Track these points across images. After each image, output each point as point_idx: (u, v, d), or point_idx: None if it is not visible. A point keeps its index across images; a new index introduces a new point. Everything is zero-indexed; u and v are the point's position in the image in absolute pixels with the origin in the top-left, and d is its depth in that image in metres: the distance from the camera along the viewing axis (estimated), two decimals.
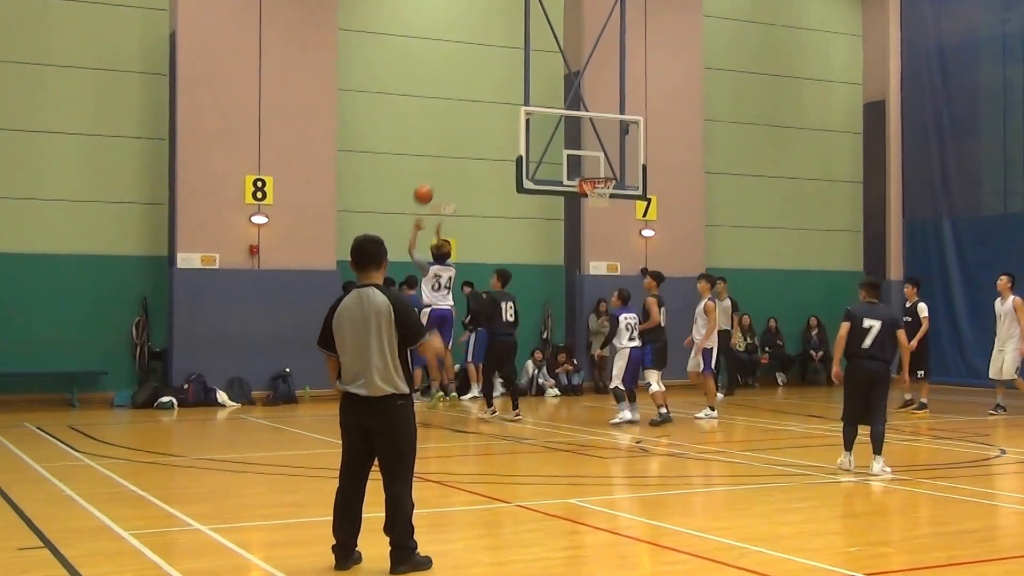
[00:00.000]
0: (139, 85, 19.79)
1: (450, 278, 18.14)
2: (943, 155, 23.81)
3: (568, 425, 16.22)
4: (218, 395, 18.70)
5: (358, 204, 20.78)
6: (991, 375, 17.25)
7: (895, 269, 24.35)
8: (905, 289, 18.04)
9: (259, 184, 19.50)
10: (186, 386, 18.60)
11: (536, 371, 21.02)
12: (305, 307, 18.32)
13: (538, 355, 21.16)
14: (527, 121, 16.92)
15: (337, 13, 20.38)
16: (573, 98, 18.85)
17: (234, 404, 18.71)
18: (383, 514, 6.98)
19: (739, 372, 22.23)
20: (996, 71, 22.85)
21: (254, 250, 19.45)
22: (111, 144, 19.49)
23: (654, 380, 15.76)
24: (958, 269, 23.27)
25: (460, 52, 21.82)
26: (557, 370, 21.14)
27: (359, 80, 21.02)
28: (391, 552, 6.94)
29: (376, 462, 7.00)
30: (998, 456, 12.70)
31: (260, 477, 11.10)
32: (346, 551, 7.00)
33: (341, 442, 7.04)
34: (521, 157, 16.87)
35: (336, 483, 7.10)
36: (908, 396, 17.87)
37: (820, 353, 23.41)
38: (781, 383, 23.56)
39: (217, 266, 19.17)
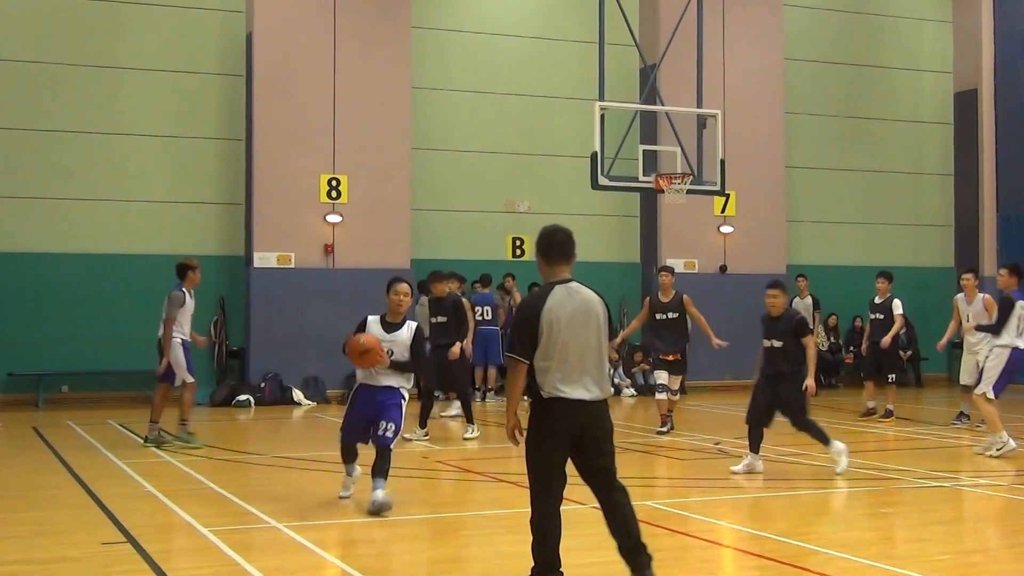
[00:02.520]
0: (217, 87, 19.94)
1: None
2: None
3: (643, 426, 15.94)
4: (294, 393, 18.76)
5: (432, 203, 20.73)
6: (963, 381, 15.61)
7: (989, 265, 23.59)
8: (877, 283, 16.77)
9: (334, 183, 19.53)
10: (263, 384, 18.70)
11: (612, 371, 20.79)
12: (380, 306, 18.03)
13: (614, 355, 20.91)
14: (602, 116, 16.67)
15: (411, 11, 20.33)
16: (649, 92, 18.56)
17: (310, 403, 18.77)
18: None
19: (822, 372, 21.72)
20: None
21: (329, 249, 19.47)
22: (190, 145, 19.68)
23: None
24: None
25: (534, 47, 21.65)
26: (633, 369, 20.87)
27: (433, 78, 20.96)
28: (637, 558, 6.45)
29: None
30: None
31: (336, 476, 11.02)
32: None
33: (535, 459, 6.21)
34: (596, 153, 16.63)
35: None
36: (871, 404, 16.69)
37: (908, 352, 22.64)
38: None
39: (293, 265, 19.24)
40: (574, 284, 6.31)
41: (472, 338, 19.33)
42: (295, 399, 18.72)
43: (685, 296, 14.15)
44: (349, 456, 9.43)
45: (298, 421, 17.02)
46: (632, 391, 20.51)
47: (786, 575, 7.03)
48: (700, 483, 11.05)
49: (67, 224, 18.98)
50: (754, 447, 10.88)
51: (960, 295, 15.55)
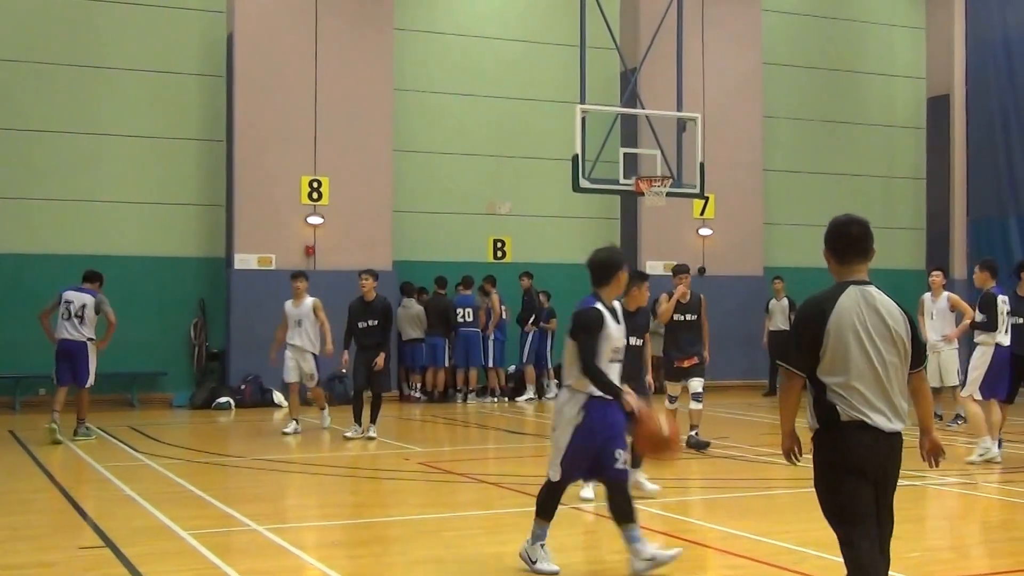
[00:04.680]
0: (197, 87, 19.94)
1: None
2: (1009, 151, 23.29)
3: None
4: (275, 396, 18.77)
5: (414, 204, 20.79)
6: (932, 384, 15.00)
7: (959, 267, 23.86)
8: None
9: (315, 185, 19.56)
10: (243, 387, 18.70)
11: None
12: None
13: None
14: (583, 119, 16.81)
15: (393, 13, 20.39)
16: (629, 96, 18.71)
17: None
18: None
19: None
20: None
21: (310, 251, 19.50)
22: (170, 146, 19.67)
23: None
24: None
25: (516, 51, 21.74)
26: None
27: (415, 80, 21.02)
28: None
29: None
30: None
31: (316, 478, 11.09)
32: None
33: (840, 499, 5.10)
34: (577, 156, 16.76)
35: None
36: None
37: None
38: None
39: (274, 267, 19.25)
40: (871, 289, 5.20)
41: (453, 340, 19.57)
42: (276, 401, 18.73)
43: (702, 296, 13.86)
44: None
45: (279, 423, 17.02)
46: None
47: (761, 574, 7.12)
48: (678, 483, 11.17)
49: (45, 225, 18.93)
50: None
51: (927, 294, 15.77)
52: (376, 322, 14.01)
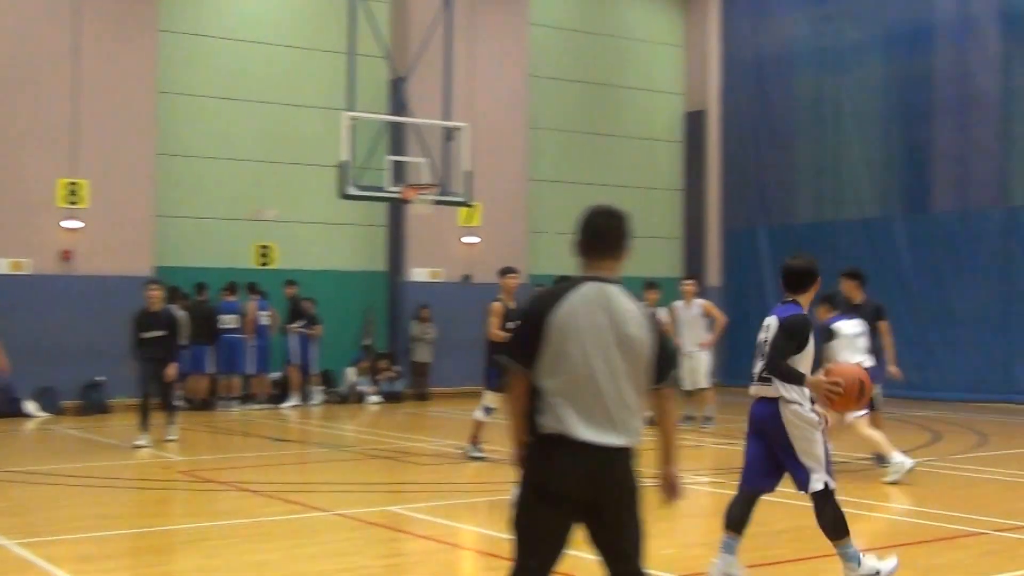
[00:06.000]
0: None
1: None
2: (760, 164, 24.68)
3: (389, 432, 16.14)
4: (26, 405, 17.94)
5: (178, 209, 20.26)
6: (683, 386, 16.20)
7: (713, 276, 25.07)
8: (646, 295, 17.44)
9: (73, 188, 18.81)
10: None
11: (358, 378, 20.86)
12: (121, 314, 17.59)
13: (364, 364, 21.01)
14: (351, 126, 16.83)
15: (157, 13, 19.85)
16: (398, 104, 18.87)
17: (43, 414, 17.99)
18: None
19: None
20: (811, 82, 23.79)
21: (67, 255, 18.75)
22: None
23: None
24: (772, 276, 24.14)
25: (284, 56, 21.48)
26: (378, 377, 21.03)
27: (180, 82, 20.47)
28: None
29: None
30: None
31: (70, 489, 10.70)
32: None
33: (526, 520, 4.52)
34: (344, 163, 16.77)
35: None
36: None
37: None
38: None
39: (28, 272, 18.43)
40: (610, 288, 4.59)
41: (217, 346, 19.18)
42: (26, 411, 17.90)
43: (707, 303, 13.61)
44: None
45: (30, 433, 16.31)
46: (378, 398, 20.64)
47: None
48: (443, 487, 11.32)
49: None
50: None
51: (679, 302, 16.55)
52: (163, 333, 13.83)
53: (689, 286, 16.65)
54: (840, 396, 6.66)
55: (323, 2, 21.63)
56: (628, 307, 4.54)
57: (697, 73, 25.84)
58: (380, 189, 17.68)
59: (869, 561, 6.81)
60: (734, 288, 24.82)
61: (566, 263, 23.57)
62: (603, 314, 4.49)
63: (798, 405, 6.74)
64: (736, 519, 6.99)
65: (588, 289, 4.55)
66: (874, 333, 11.85)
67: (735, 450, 13.89)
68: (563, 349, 4.44)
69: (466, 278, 21.86)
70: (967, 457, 13.19)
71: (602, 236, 4.71)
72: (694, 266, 24.98)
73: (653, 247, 25.49)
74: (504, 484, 11.01)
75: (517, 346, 4.54)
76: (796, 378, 6.69)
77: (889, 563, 6.93)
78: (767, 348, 6.81)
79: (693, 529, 9.32)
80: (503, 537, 8.24)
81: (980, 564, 7.56)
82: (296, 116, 21.34)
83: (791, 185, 24.25)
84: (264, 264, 20.92)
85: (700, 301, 16.46)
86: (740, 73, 25.15)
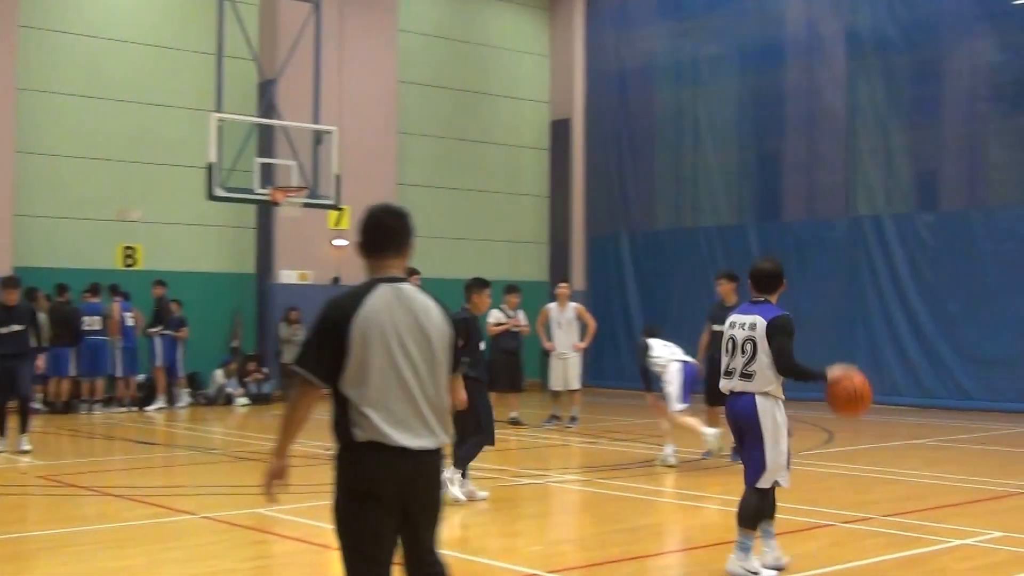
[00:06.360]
0: None
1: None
2: (622, 172, 25.35)
3: (257, 434, 16.15)
4: None
5: (38, 209, 19.88)
6: (554, 387, 16.85)
7: (578, 280, 25.56)
8: (507, 297, 17.84)
9: None
10: None
11: (226, 380, 20.75)
12: None
13: (232, 366, 20.91)
14: (219, 128, 16.78)
15: (18, 9, 19.44)
16: (267, 106, 18.83)
17: None
18: None
19: None
20: (671, 94, 24.56)
21: None
22: None
23: None
24: (634, 280, 24.83)
25: (149, 55, 21.23)
26: (247, 379, 20.95)
27: (41, 80, 20.08)
28: None
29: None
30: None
31: None
32: None
33: (353, 531, 4.51)
34: (212, 164, 16.71)
35: None
36: (514, 414, 16.95)
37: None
38: None
39: None
40: (405, 287, 4.61)
41: (79, 348, 18.86)
42: None
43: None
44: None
45: None
46: (246, 400, 20.56)
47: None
48: (310, 489, 11.41)
49: None
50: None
51: (552, 304, 16.95)
52: (20, 327, 13.48)
53: (564, 289, 17.08)
54: (855, 394, 7.07)
55: (190, 2, 21.45)
56: (426, 303, 4.58)
57: (562, 82, 26.34)
58: (249, 191, 17.66)
59: (755, 562, 7.10)
60: (597, 292, 25.41)
61: (435, 266, 23.92)
62: (405, 315, 4.49)
63: (777, 402, 7.11)
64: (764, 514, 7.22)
65: (384, 291, 4.51)
66: None
67: (601, 449, 14.33)
68: (368, 357, 4.39)
69: (336, 280, 21.90)
70: (816, 453, 13.84)
71: (389, 235, 4.68)
72: (560, 271, 25.45)
73: (520, 252, 25.93)
74: None
75: (313, 356, 4.42)
76: (814, 374, 7.10)
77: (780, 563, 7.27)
78: (757, 347, 7.10)
79: (560, 526, 9.61)
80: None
81: (829, 554, 7.96)
82: (163, 116, 21.12)
83: (652, 193, 24.98)
84: (130, 265, 20.63)
85: (574, 304, 16.88)
86: (603, 83, 25.77)
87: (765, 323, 7.14)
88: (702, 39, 23.90)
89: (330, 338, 4.40)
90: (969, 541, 8.23)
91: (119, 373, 19.21)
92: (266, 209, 20.77)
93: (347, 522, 4.48)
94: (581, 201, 26.14)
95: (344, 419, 4.43)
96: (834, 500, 10.35)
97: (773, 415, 7.04)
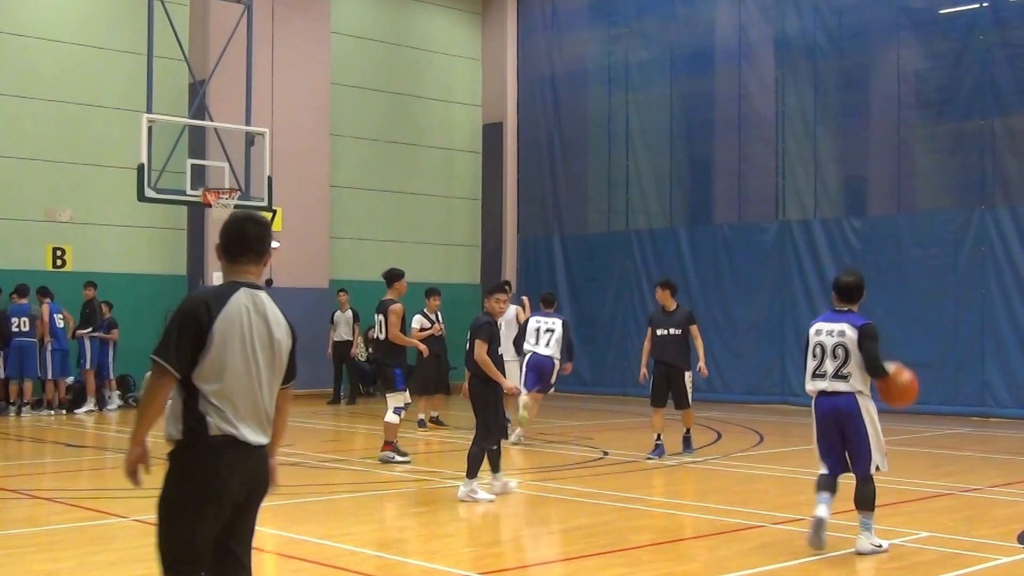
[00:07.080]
0: None
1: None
2: (554, 176, 25.52)
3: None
4: None
5: None
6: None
7: (510, 283, 25.64)
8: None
9: None
10: None
11: None
12: None
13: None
14: (149, 129, 16.62)
15: None
16: (198, 108, 18.69)
17: None
18: None
19: (361, 381, 22.69)
20: (602, 99, 24.75)
21: None
22: None
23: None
24: (566, 283, 24.97)
25: (79, 54, 20.95)
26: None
27: None
28: None
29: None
30: (600, 458, 13.75)
31: None
32: None
33: (187, 525, 4.63)
34: (143, 165, 16.55)
35: None
36: (423, 416, 16.95)
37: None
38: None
39: None
40: (261, 294, 4.80)
41: (7, 350, 18.55)
42: None
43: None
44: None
45: None
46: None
47: None
48: None
49: None
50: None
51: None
52: None
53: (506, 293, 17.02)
54: (910, 387, 8.08)
55: (120, 2, 21.22)
56: (276, 313, 4.80)
57: (495, 86, 26.44)
58: (180, 192, 17.52)
59: (876, 539, 7.99)
60: (530, 295, 25.44)
61: (366, 268, 23.95)
62: (259, 320, 4.70)
63: (869, 399, 8.06)
64: (830, 487, 8.11)
65: (243, 296, 4.69)
66: (686, 337, 13.45)
67: (535, 451, 14.41)
68: (225, 355, 4.57)
69: (268, 283, 21.76)
70: (746, 455, 14.03)
71: (250, 243, 4.80)
72: (492, 273, 25.51)
73: (452, 254, 25.98)
74: (303, 486, 11.18)
75: (172, 347, 4.56)
76: (887, 373, 8.02)
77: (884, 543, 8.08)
78: (849, 351, 7.96)
79: (493, 528, 9.66)
80: (307, 539, 8.45)
81: (758, 554, 8.07)
82: (93, 116, 20.86)
83: (583, 196, 25.17)
84: (59, 267, 20.35)
85: (514, 307, 16.94)
86: (535, 87, 25.93)
87: (856, 330, 7.97)
88: (633, 44, 24.14)
89: (190, 332, 4.56)
90: (897, 541, 8.40)
91: (48, 375, 18.92)
92: (198, 211, 20.62)
93: (184, 516, 4.61)
94: (513, 204, 26.26)
95: (194, 410, 4.57)
96: (764, 501, 10.48)
97: (869, 410, 8.01)
